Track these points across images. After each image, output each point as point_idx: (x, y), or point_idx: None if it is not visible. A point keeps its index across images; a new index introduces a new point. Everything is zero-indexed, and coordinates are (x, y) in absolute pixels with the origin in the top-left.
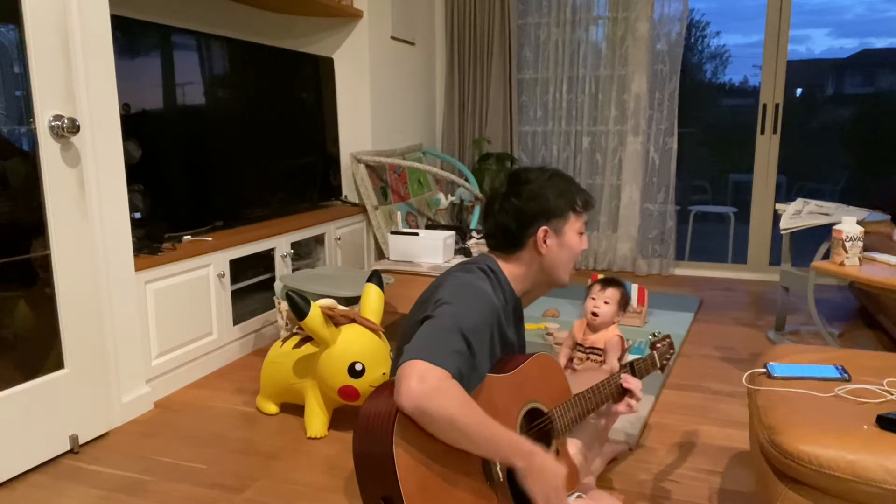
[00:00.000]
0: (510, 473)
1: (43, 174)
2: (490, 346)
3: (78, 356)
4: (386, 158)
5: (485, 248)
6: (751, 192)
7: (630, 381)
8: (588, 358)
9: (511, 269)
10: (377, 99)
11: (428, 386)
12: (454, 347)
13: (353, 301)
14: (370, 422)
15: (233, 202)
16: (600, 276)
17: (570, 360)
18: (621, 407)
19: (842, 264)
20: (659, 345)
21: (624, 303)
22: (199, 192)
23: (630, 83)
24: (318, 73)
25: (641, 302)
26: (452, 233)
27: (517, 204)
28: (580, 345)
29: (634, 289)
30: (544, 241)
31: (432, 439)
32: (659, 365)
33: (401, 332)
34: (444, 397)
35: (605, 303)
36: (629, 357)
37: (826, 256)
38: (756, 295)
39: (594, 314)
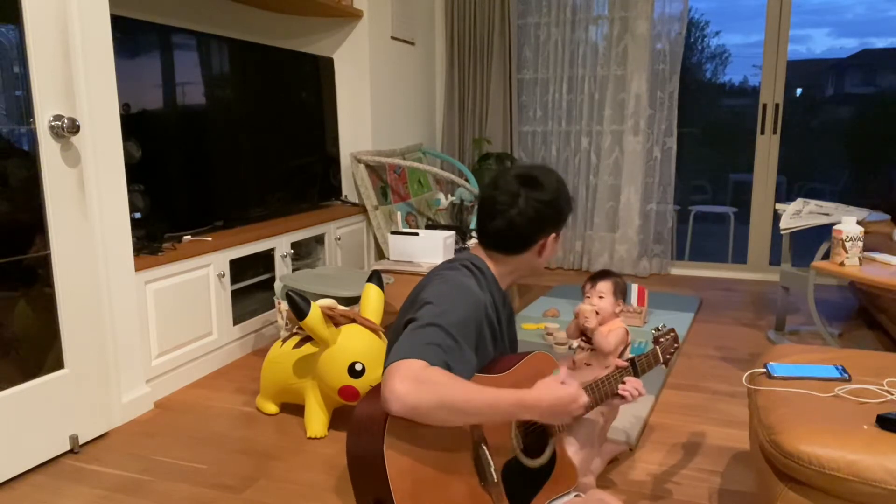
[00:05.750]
0: (504, 473)
1: (43, 174)
2: (477, 341)
3: (78, 356)
4: (386, 158)
5: None
6: (751, 192)
7: (628, 382)
8: (590, 350)
9: (501, 267)
10: (377, 99)
11: (410, 382)
12: (435, 341)
13: (353, 301)
14: (362, 424)
15: (233, 202)
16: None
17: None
18: (616, 400)
19: (842, 264)
20: (662, 339)
21: (620, 291)
22: (199, 192)
23: (630, 83)
24: (318, 73)
25: (641, 302)
26: (452, 233)
27: (539, 208)
28: (584, 336)
29: (634, 289)
30: (547, 246)
31: (424, 442)
32: (662, 360)
33: (391, 333)
34: (428, 386)
35: (600, 297)
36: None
37: (826, 256)
38: (756, 295)
39: (597, 312)
